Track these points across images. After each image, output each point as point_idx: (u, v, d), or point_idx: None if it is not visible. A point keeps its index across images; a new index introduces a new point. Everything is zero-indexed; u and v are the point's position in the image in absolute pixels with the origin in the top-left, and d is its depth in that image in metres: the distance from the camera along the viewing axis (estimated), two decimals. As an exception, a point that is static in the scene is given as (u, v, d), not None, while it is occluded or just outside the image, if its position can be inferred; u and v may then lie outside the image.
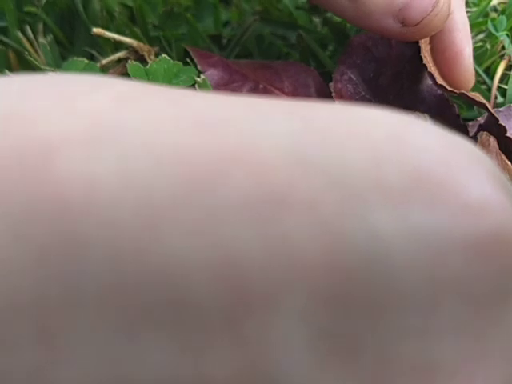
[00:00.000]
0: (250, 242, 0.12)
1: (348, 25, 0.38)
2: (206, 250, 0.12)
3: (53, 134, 0.13)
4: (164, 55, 0.32)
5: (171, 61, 0.32)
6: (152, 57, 0.35)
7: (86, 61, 0.32)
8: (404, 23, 0.29)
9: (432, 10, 0.28)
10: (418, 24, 0.29)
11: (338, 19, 0.39)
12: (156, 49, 0.36)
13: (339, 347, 0.13)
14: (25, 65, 0.35)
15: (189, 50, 0.34)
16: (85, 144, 0.12)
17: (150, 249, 0.12)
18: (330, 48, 0.38)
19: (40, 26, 0.36)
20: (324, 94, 0.32)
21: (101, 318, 0.12)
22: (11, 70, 0.35)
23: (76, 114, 0.13)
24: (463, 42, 0.31)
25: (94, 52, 0.36)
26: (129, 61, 0.32)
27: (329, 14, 0.39)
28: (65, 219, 0.12)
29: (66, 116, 0.13)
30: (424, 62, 0.30)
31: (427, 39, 0.31)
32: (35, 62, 0.33)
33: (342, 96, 0.31)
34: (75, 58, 0.32)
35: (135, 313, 0.12)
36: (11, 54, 0.35)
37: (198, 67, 0.33)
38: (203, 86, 0.32)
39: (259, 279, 0.12)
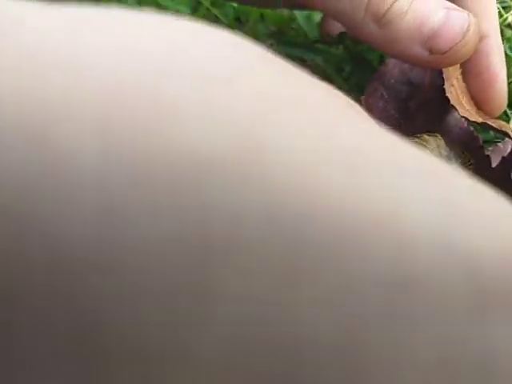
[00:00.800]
0: (378, 331, 0.12)
1: (365, 47, 0.38)
2: (336, 334, 0.12)
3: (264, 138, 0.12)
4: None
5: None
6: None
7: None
8: (431, 51, 0.28)
9: (461, 40, 0.28)
10: (445, 53, 0.28)
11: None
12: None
13: None
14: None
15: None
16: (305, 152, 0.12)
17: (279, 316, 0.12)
18: (347, 69, 0.38)
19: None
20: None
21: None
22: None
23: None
24: (498, 65, 0.31)
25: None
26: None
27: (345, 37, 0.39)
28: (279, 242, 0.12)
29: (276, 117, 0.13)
30: (447, 93, 0.30)
31: (457, 65, 0.31)
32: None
33: (371, 110, 0.31)
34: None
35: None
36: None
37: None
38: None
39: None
